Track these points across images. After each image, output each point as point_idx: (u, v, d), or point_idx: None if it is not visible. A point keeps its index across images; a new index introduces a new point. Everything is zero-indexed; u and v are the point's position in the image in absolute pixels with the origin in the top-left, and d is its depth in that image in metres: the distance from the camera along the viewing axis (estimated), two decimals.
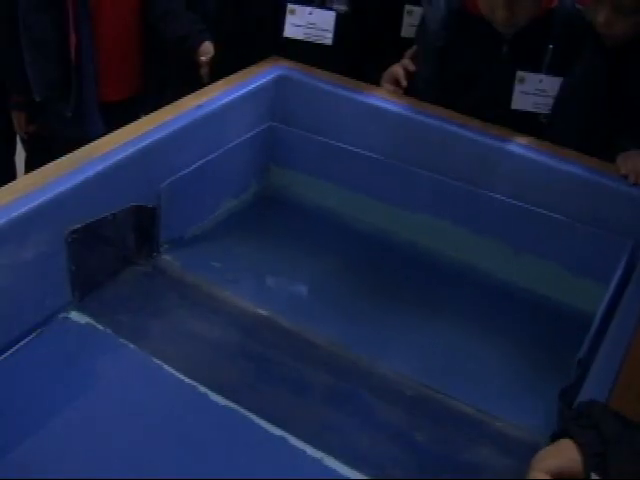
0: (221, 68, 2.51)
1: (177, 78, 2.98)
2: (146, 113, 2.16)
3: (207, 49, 2.72)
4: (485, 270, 2.24)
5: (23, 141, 3.22)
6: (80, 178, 1.82)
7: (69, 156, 1.89)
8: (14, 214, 1.68)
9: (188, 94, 2.23)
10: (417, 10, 2.60)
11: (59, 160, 1.87)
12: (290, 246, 2.28)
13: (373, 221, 2.38)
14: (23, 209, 1.69)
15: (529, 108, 2.31)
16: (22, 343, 1.77)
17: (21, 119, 3.03)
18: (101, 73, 2.85)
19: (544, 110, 2.31)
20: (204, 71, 2.73)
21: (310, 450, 1.61)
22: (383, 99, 2.33)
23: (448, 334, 2.04)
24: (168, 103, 2.18)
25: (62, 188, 1.78)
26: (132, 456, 1.57)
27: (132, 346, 1.82)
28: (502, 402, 1.83)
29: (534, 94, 2.30)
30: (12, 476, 1.49)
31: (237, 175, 2.38)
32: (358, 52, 2.64)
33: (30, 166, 3.14)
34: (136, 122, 2.06)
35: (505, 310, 2.15)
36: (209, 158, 2.18)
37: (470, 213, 2.24)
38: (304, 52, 2.51)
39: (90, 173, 1.84)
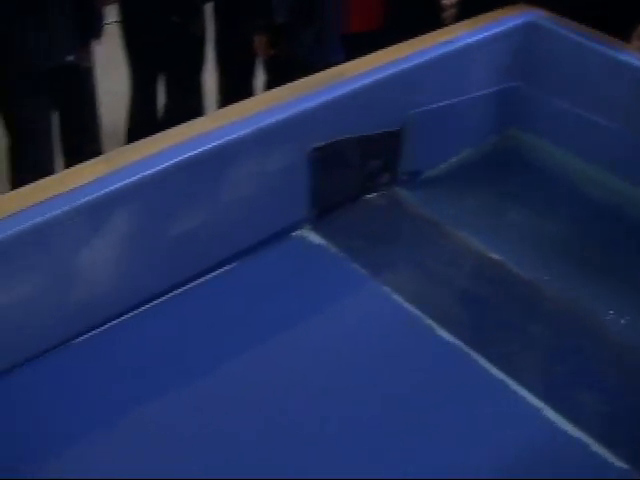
0: (464, 13, 2.46)
1: (419, 19, 2.95)
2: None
3: None
4: None
5: (264, 64, 3.27)
6: (327, 97, 1.82)
7: (315, 76, 1.90)
8: (261, 124, 1.70)
9: None
10: None
11: (306, 79, 1.88)
12: (525, 202, 2.21)
13: (606, 192, 2.25)
14: (268, 121, 1.72)
15: None
16: (253, 256, 1.81)
17: (262, 42, 3.07)
18: (345, 2, 2.85)
19: None
20: (447, 14, 2.70)
21: (530, 398, 1.57)
22: (633, 56, 2.20)
23: None
24: None
25: (307, 105, 1.79)
26: (347, 377, 1.59)
27: (364, 271, 1.83)
28: None
29: None
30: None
31: (478, 125, 2.32)
32: (603, 4, 2.52)
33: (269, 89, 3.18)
34: (383, 50, 2.03)
35: None
36: (453, 100, 2.14)
37: None
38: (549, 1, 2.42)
39: (337, 93, 1.84)
